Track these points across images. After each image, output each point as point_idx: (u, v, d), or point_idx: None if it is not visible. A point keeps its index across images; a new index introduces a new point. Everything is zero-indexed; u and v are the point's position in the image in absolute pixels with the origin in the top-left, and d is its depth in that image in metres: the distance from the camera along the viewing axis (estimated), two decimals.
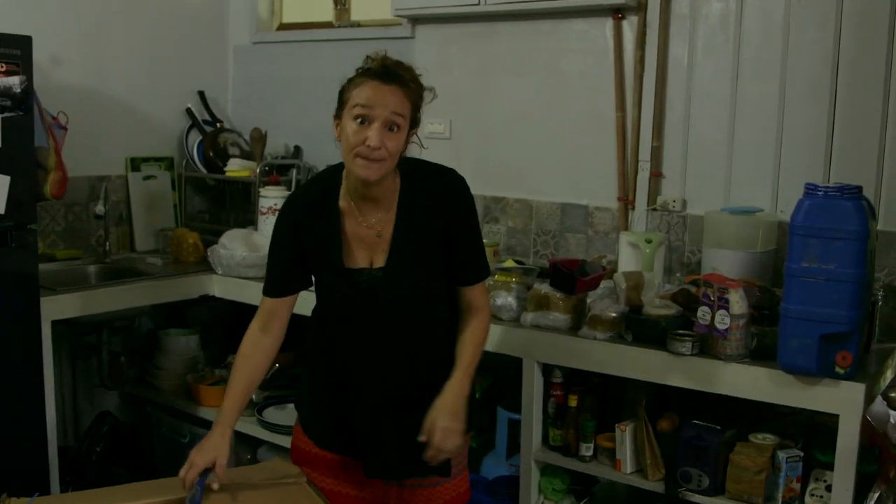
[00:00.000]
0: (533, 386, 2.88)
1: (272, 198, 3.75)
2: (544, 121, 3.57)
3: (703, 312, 2.57)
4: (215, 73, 4.51)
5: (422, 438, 2.12)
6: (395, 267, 2.18)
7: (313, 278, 2.28)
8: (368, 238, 2.19)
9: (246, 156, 4.19)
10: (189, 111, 4.31)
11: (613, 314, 2.73)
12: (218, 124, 4.35)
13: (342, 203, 2.19)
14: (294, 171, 4.05)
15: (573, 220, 3.52)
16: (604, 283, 2.94)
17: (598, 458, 2.85)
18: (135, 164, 4.17)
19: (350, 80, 2.10)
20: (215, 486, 2.11)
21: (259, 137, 4.13)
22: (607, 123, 3.40)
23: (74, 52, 3.86)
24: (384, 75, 2.06)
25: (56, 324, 3.27)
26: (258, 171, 4.00)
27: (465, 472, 2.43)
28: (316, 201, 2.21)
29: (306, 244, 2.20)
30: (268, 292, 2.28)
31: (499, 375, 3.39)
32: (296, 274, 2.25)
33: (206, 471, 2.11)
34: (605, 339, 2.73)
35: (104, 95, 4.00)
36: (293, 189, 2.38)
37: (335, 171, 2.22)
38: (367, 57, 2.13)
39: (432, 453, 2.12)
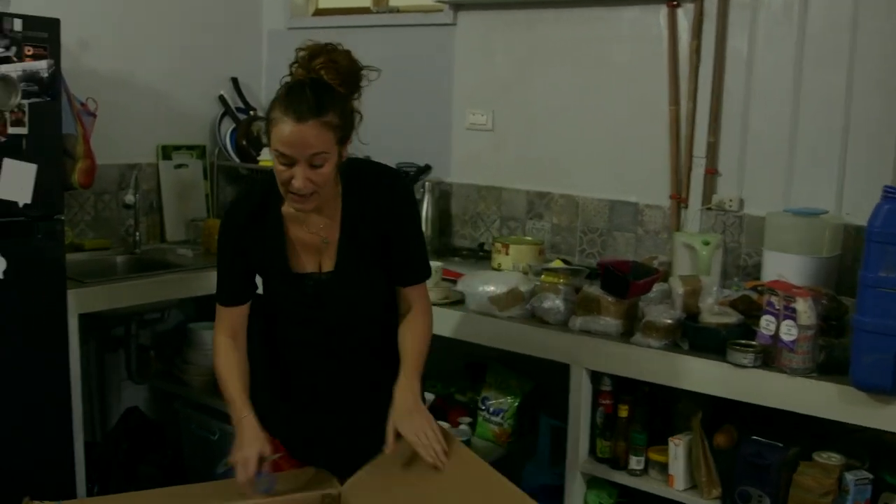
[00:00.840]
0: (580, 394, 2.74)
1: None
2: (592, 113, 3.41)
3: (766, 322, 2.42)
4: (249, 59, 4.37)
5: (386, 450, 2.10)
6: (343, 271, 2.17)
7: (260, 282, 2.26)
8: (314, 243, 2.16)
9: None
10: (222, 98, 4.18)
11: (669, 321, 2.58)
12: (251, 112, 4.22)
13: (285, 209, 2.14)
14: None
15: (621, 218, 3.36)
16: (657, 287, 2.78)
17: (650, 472, 2.70)
18: (166, 152, 4.05)
19: (271, 108, 1.99)
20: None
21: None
22: (659, 117, 3.24)
23: (104, 37, 3.74)
24: (298, 112, 1.93)
25: (83, 317, 3.16)
26: None
27: None
28: (258, 208, 2.16)
29: (252, 251, 2.17)
30: (223, 302, 2.24)
31: (541, 380, 3.26)
32: (247, 281, 2.24)
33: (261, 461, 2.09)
34: (660, 347, 2.57)
35: (135, 81, 3.88)
36: (236, 196, 2.36)
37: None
38: (297, 52, 2.04)
39: (430, 454, 2.07)
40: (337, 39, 3.96)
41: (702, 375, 2.51)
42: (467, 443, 3.09)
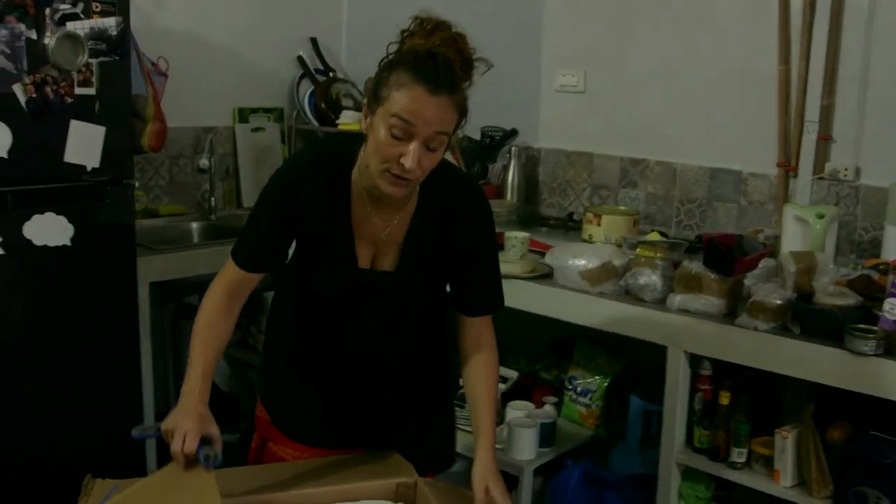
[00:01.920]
0: (678, 378, 2.53)
1: None
2: (693, 74, 3.17)
3: (890, 305, 2.20)
4: (329, 18, 4.21)
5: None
6: (404, 273, 1.95)
7: (295, 265, 2.01)
8: (372, 236, 1.93)
9: (359, 108, 3.88)
10: (300, 59, 4.04)
11: (779, 301, 2.35)
12: (331, 74, 4.07)
13: (354, 191, 1.90)
14: None
15: (723, 188, 3.12)
16: (763, 264, 2.56)
17: (752, 465, 2.49)
18: (243, 115, 3.93)
19: (390, 70, 1.73)
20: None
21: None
22: (767, 78, 2.98)
23: None
24: (434, 82, 1.69)
25: (155, 285, 3.07)
26: None
27: None
28: (325, 185, 1.89)
29: (308, 231, 1.93)
30: (242, 262, 1.95)
31: (632, 359, 3.07)
32: (279, 251, 1.98)
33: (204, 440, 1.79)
34: (768, 330, 2.35)
35: (210, 42, 3.76)
36: (299, 155, 2.03)
37: (350, 150, 1.90)
38: (417, 20, 1.78)
39: None
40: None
41: (815, 363, 2.29)
42: (552, 424, 2.92)
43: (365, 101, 1.79)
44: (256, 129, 3.97)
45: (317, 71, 4.07)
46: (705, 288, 2.47)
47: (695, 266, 2.50)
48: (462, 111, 1.77)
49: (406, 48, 1.75)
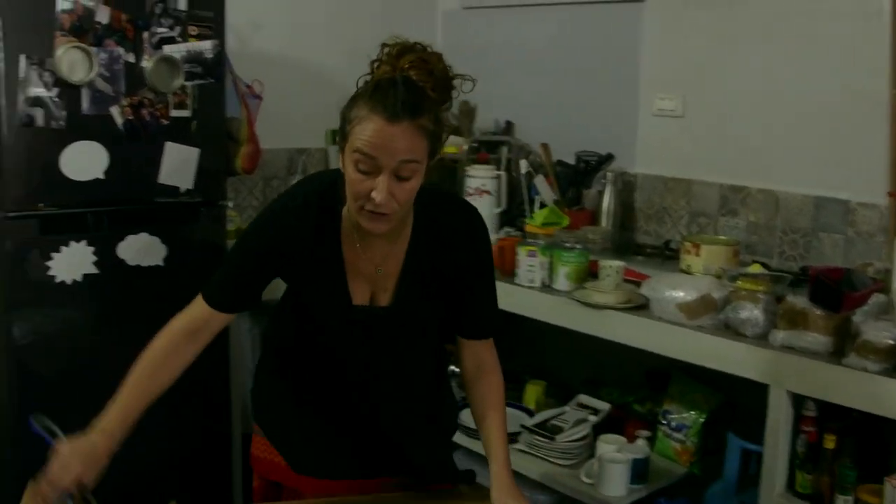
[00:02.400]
0: (780, 419, 2.41)
1: (480, 177, 3.44)
2: (798, 98, 3.03)
3: None
4: (422, 40, 4.17)
5: None
6: (402, 308, 1.91)
7: (281, 306, 2.02)
8: (367, 271, 1.88)
9: (453, 131, 3.86)
10: None
11: (891, 341, 2.22)
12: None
13: (344, 228, 1.85)
14: (505, 149, 3.69)
15: (829, 218, 2.98)
16: (873, 300, 2.42)
17: None
18: (335, 136, 3.92)
19: (352, 104, 1.69)
20: None
21: (467, 111, 3.79)
22: (877, 102, 2.83)
23: (272, 17, 3.65)
24: (392, 110, 1.63)
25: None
26: (466, 148, 3.66)
27: None
28: (314, 225, 1.84)
29: (300, 274, 1.87)
30: (212, 301, 1.90)
31: (730, 394, 2.95)
32: (253, 292, 1.91)
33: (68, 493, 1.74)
34: (878, 371, 2.22)
35: (304, 63, 3.78)
36: (286, 196, 1.94)
37: (337, 190, 1.82)
38: (383, 47, 1.77)
39: None
40: (515, 19, 3.83)
41: None
42: (645, 460, 2.83)
43: (336, 140, 1.79)
44: None
45: None
46: (811, 324, 2.35)
47: (800, 301, 2.38)
48: (432, 134, 1.70)
49: (375, 78, 1.72)
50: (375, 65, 1.76)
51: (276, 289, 1.99)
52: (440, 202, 1.92)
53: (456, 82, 1.78)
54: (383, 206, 1.68)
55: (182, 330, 1.91)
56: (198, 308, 1.91)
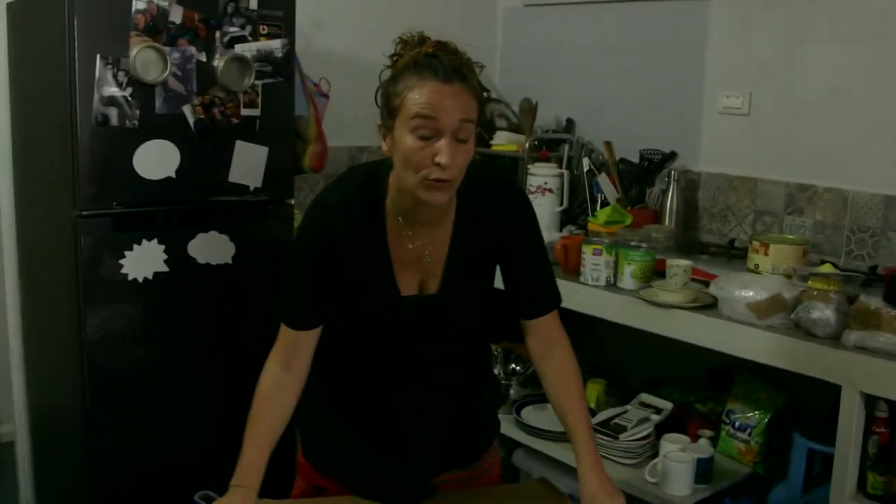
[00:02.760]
0: (853, 420, 2.38)
1: (542, 175, 3.45)
2: (868, 95, 2.99)
3: None
4: (483, 38, 4.18)
5: None
6: (450, 294, 1.91)
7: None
8: (414, 260, 1.87)
9: (514, 129, 3.86)
10: None
11: None
12: (485, 94, 4.03)
13: (389, 221, 1.84)
14: (566, 147, 3.68)
15: None
16: None
17: None
18: None
19: (395, 80, 1.72)
20: None
21: (529, 109, 3.78)
22: None
23: (338, 16, 3.67)
24: (444, 73, 1.67)
25: None
26: (527, 145, 3.65)
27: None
28: (358, 219, 1.83)
29: (348, 270, 1.85)
30: (292, 323, 1.91)
31: (795, 394, 2.93)
32: (326, 301, 1.90)
33: None
34: None
35: (366, 61, 3.75)
36: (325, 195, 1.93)
37: (377, 181, 1.85)
38: (401, 41, 1.78)
39: None
40: (577, 16, 3.83)
41: None
42: (709, 459, 2.82)
43: (379, 125, 1.78)
44: None
45: None
46: (885, 325, 2.32)
47: (874, 301, 2.36)
48: (479, 97, 1.73)
49: (398, 66, 1.75)
50: (395, 57, 1.79)
51: None
52: (480, 178, 1.90)
53: (475, 63, 1.79)
54: (448, 171, 1.67)
55: (278, 366, 1.93)
56: (284, 336, 1.93)
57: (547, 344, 2.04)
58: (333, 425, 2.04)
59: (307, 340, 1.92)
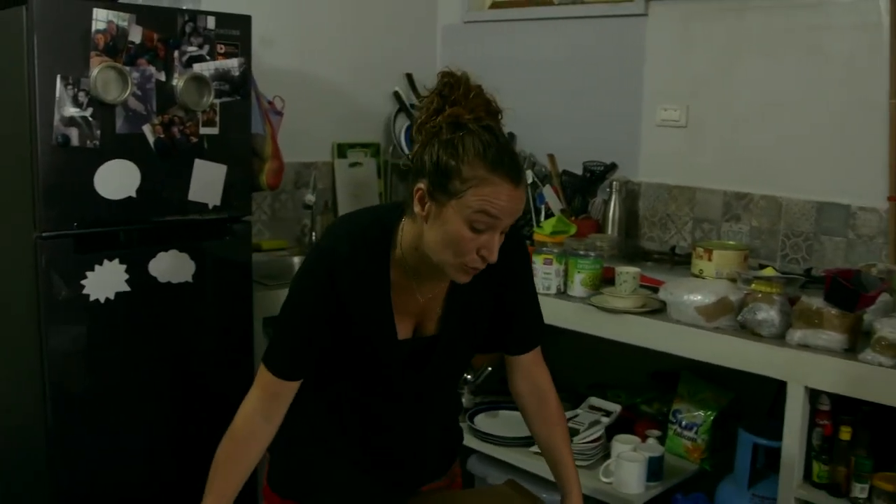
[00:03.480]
0: (798, 413, 2.51)
1: None
2: (800, 108, 3.16)
3: None
4: (424, 54, 4.28)
5: None
6: (447, 337, 1.91)
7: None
8: (414, 306, 1.87)
9: None
10: (396, 94, 4.11)
11: None
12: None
13: (394, 276, 1.83)
14: None
15: (831, 222, 3.11)
16: (880, 299, 2.54)
17: (874, 501, 2.46)
18: (341, 150, 4.00)
19: (457, 159, 1.64)
20: None
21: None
22: (878, 112, 2.97)
23: (284, 34, 3.72)
24: (517, 176, 1.66)
25: (268, 320, 3.12)
26: None
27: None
28: (364, 269, 1.80)
29: (348, 316, 1.81)
30: (282, 372, 1.83)
31: (740, 391, 3.06)
32: (320, 349, 1.85)
33: None
34: (892, 366, 2.33)
35: (312, 79, 3.85)
36: (332, 243, 1.86)
37: (385, 229, 1.83)
38: (447, 78, 1.72)
39: None
40: (516, 33, 3.94)
41: None
42: (660, 458, 2.93)
43: (423, 185, 1.70)
44: (354, 165, 4.04)
45: (412, 106, 4.12)
46: (826, 323, 2.46)
47: (815, 301, 2.49)
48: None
49: (447, 117, 1.68)
50: (439, 101, 1.71)
51: None
52: None
53: (501, 113, 1.76)
54: (491, 262, 1.71)
55: (256, 412, 1.86)
56: (266, 382, 1.85)
57: (531, 380, 2.09)
58: (314, 449, 2.01)
59: (290, 390, 1.86)
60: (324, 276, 1.79)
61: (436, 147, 1.68)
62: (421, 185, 1.70)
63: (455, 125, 1.67)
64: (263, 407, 1.85)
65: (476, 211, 1.64)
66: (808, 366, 2.46)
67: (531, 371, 2.09)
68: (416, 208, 1.73)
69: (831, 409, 2.54)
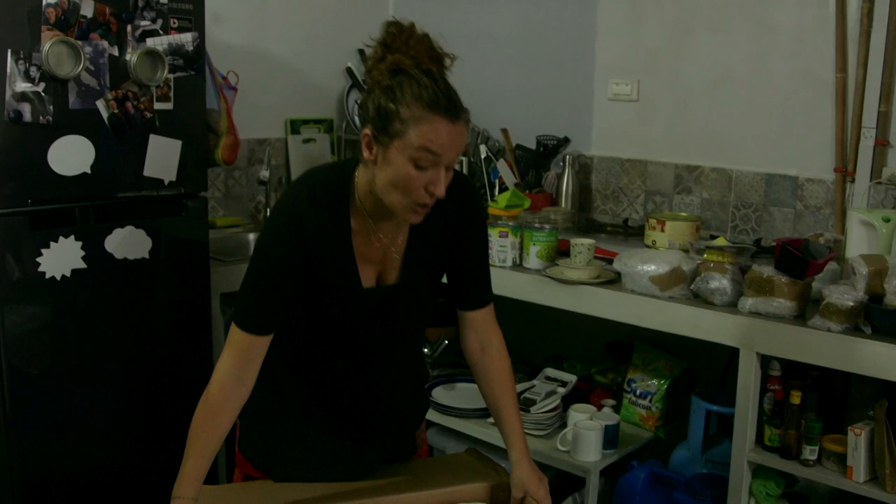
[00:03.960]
0: (750, 379, 2.58)
1: None
2: (749, 82, 3.22)
3: None
4: (376, 29, 4.22)
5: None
6: (409, 285, 1.97)
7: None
8: (376, 255, 1.93)
9: None
10: (349, 70, 4.10)
11: (851, 303, 2.40)
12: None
13: (354, 223, 1.89)
14: None
15: (779, 193, 3.18)
16: (828, 266, 2.62)
17: (824, 462, 2.54)
18: (294, 126, 3.99)
19: (395, 102, 1.72)
20: None
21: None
22: (824, 85, 3.04)
23: (236, 10, 3.69)
24: (453, 111, 1.72)
25: (224, 296, 3.11)
26: None
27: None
28: (325, 219, 1.85)
29: (314, 268, 1.86)
30: (253, 328, 1.86)
31: (692, 360, 3.13)
32: (288, 303, 1.89)
33: None
34: (841, 331, 2.41)
35: (264, 55, 3.83)
36: (293, 197, 1.89)
37: (342, 180, 1.88)
38: (392, 27, 1.80)
39: None
40: (468, 7, 3.95)
41: (888, 361, 2.33)
42: (616, 426, 2.98)
43: (368, 130, 1.77)
44: (307, 141, 4.03)
45: (364, 82, 4.11)
46: (776, 291, 2.53)
47: (766, 270, 2.55)
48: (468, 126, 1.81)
49: (388, 64, 1.76)
50: (382, 51, 1.80)
51: None
52: None
53: (446, 58, 1.83)
54: (436, 198, 1.77)
55: (229, 374, 1.87)
56: (238, 339, 1.87)
57: (483, 339, 2.13)
58: (284, 413, 2.04)
59: (263, 345, 1.88)
60: (289, 226, 1.83)
61: (377, 93, 1.75)
62: (367, 131, 1.78)
63: (395, 71, 1.75)
64: (236, 367, 1.87)
65: (418, 149, 1.71)
66: (760, 332, 2.53)
67: (483, 328, 2.13)
68: (365, 153, 1.80)
69: (782, 374, 2.61)
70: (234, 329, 1.87)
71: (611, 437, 2.98)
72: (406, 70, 1.75)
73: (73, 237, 2.65)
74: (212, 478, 2.08)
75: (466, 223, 2.01)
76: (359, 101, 1.82)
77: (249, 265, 1.89)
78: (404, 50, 1.78)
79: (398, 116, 1.71)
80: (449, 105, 1.72)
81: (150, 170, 2.78)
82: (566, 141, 3.64)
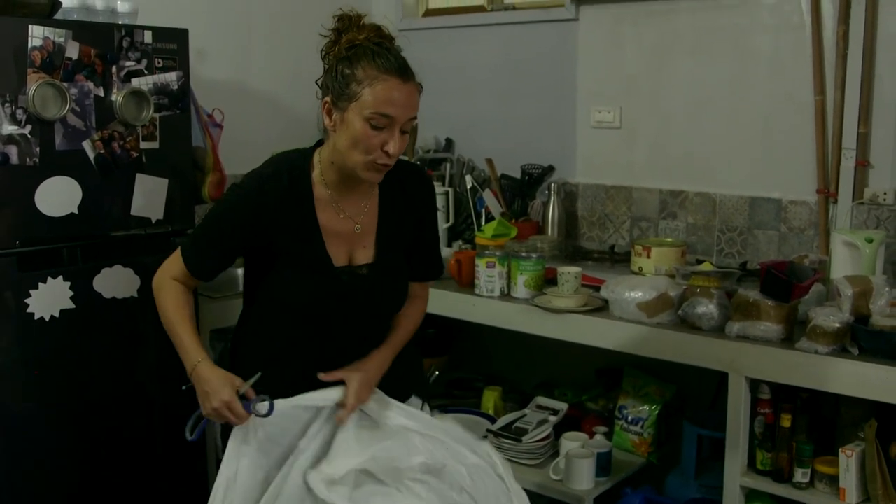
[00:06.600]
0: (740, 403, 2.59)
1: None
2: (730, 106, 3.25)
3: None
4: None
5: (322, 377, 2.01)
6: (384, 264, 2.07)
7: (266, 278, 2.02)
8: (346, 232, 2.03)
9: None
10: None
11: (838, 325, 2.42)
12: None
13: (317, 192, 1.99)
14: (447, 165, 3.82)
15: (763, 216, 3.20)
16: (813, 288, 2.63)
17: (816, 485, 2.55)
18: None
19: (351, 66, 1.86)
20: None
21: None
22: (804, 108, 3.07)
23: (221, 46, 3.71)
24: (404, 71, 1.88)
25: (215, 332, 3.11)
26: None
27: None
28: (288, 191, 1.96)
29: (279, 240, 1.97)
30: (193, 267, 2.02)
31: (682, 385, 3.14)
32: (229, 261, 2.05)
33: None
34: (828, 353, 2.42)
35: (250, 90, 3.85)
36: (258, 169, 2.05)
37: (304, 157, 2.03)
38: (341, 17, 1.93)
39: (346, 412, 1.98)
40: (450, 40, 3.98)
41: (876, 382, 2.35)
42: (608, 453, 2.99)
43: (327, 99, 1.90)
44: None
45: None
46: (763, 315, 2.54)
47: (752, 294, 2.57)
48: (420, 92, 1.93)
49: (344, 44, 1.89)
50: (337, 33, 1.92)
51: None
52: (397, 165, 2.00)
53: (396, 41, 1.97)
54: (393, 157, 1.89)
55: (178, 283, 2.03)
56: (177, 267, 2.03)
57: (413, 296, 2.21)
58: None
59: (192, 284, 2.05)
60: (250, 191, 1.96)
61: (335, 65, 1.89)
62: (326, 99, 1.91)
63: (350, 47, 1.88)
64: (176, 277, 2.04)
65: (373, 108, 1.84)
66: (748, 356, 2.54)
67: (419, 293, 2.24)
68: (326, 121, 1.93)
69: (772, 397, 2.62)
70: (176, 255, 2.04)
71: (603, 464, 2.98)
72: (360, 43, 1.88)
73: (61, 277, 2.66)
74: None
75: (425, 207, 2.16)
76: (318, 81, 1.97)
77: (207, 213, 2.05)
78: (355, 31, 1.91)
79: (354, 79, 1.84)
80: (400, 67, 1.86)
81: (137, 208, 2.80)
82: (551, 169, 3.66)
